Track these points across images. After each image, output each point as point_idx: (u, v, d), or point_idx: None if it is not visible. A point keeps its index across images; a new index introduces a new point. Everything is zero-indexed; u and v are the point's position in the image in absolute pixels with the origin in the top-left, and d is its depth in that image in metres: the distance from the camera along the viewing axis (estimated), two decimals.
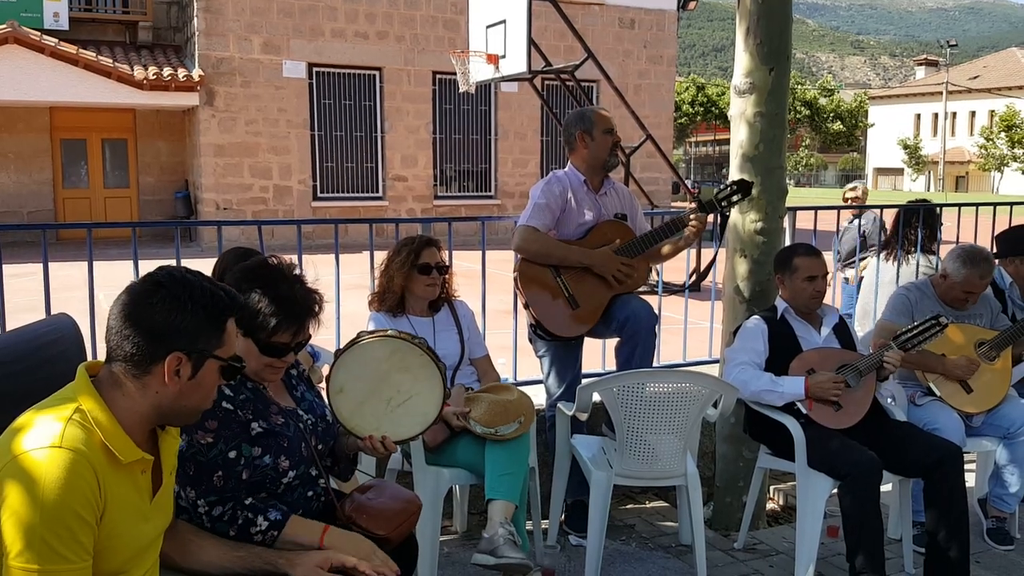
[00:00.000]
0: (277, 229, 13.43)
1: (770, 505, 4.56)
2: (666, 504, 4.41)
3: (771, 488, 4.60)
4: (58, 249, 14.60)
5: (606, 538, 3.89)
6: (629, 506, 4.40)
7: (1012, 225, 4.87)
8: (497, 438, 3.20)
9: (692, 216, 3.81)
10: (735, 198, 3.82)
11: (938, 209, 5.40)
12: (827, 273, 3.70)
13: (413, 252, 3.52)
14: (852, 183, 7.53)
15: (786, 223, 4.69)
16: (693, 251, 4.87)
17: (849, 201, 7.17)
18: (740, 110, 4.01)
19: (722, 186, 3.86)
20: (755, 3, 3.91)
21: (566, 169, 4.02)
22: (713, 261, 4.57)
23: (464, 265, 4.47)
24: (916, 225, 5.20)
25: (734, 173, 4.06)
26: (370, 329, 2.46)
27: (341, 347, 2.37)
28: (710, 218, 3.89)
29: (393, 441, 2.36)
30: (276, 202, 17.42)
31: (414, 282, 3.54)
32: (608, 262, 3.83)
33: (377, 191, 18.43)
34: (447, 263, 3.68)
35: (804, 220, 5.34)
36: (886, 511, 4.07)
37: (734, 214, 4.10)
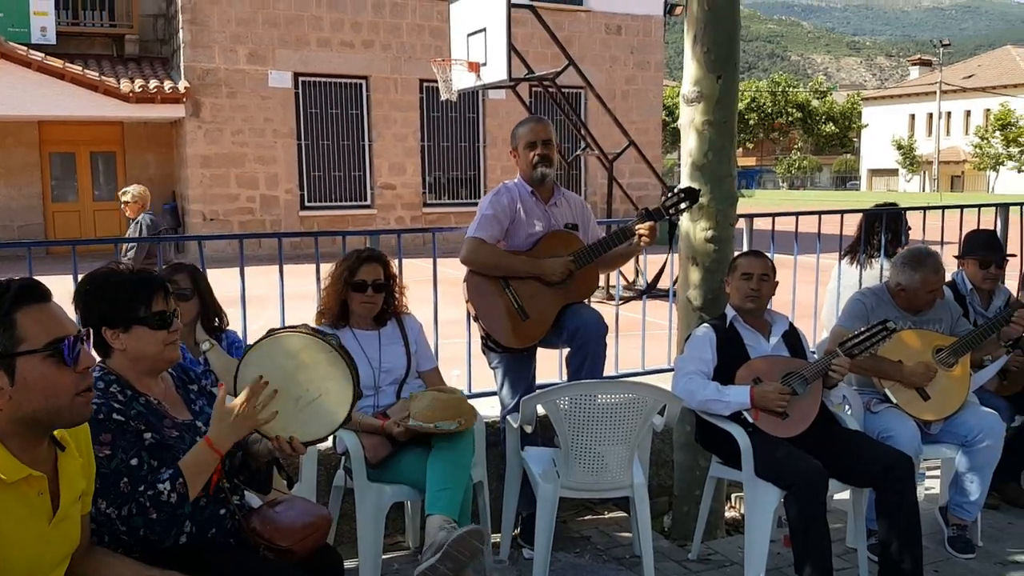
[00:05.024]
0: (263, 240, 13.43)
1: (731, 513, 4.54)
2: (624, 515, 4.38)
3: (732, 496, 4.58)
4: (48, 263, 14.68)
5: (560, 551, 3.88)
6: (587, 517, 4.38)
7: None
8: (437, 432, 3.18)
9: (640, 225, 3.80)
10: (682, 205, 3.82)
11: (904, 213, 5.38)
12: (766, 274, 3.70)
13: (347, 269, 3.50)
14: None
15: (744, 228, 4.70)
16: (652, 258, 4.85)
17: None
18: (689, 119, 4.00)
19: (670, 194, 3.86)
20: (702, 11, 3.90)
21: (515, 180, 4.01)
22: (662, 269, 4.57)
23: (450, 272, 4.41)
24: (879, 230, 5.17)
25: (684, 181, 4.06)
26: (292, 324, 2.43)
27: (250, 343, 2.34)
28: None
29: (302, 442, 2.34)
30: (263, 212, 17.39)
31: (350, 299, 3.52)
32: (556, 267, 3.82)
33: (365, 199, 18.41)
34: (391, 278, 3.63)
35: (770, 223, 5.33)
36: (843, 520, 4.05)
37: (686, 222, 4.10)
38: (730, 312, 3.75)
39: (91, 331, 2.10)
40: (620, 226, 3.94)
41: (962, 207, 5.80)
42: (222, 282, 4.11)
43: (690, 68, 3.98)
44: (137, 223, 7.65)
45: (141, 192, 7.87)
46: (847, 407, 3.99)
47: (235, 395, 2.44)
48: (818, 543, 3.24)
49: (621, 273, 5.53)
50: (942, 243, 5.24)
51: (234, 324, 3.72)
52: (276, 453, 2.38)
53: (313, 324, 3.58)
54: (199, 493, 2.20)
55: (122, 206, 7.93)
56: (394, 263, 3.77)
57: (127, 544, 2.17)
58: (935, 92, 57.66)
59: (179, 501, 2.13)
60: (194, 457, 2.19)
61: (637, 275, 10.23)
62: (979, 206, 5.89)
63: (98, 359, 2.30)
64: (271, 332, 2.40)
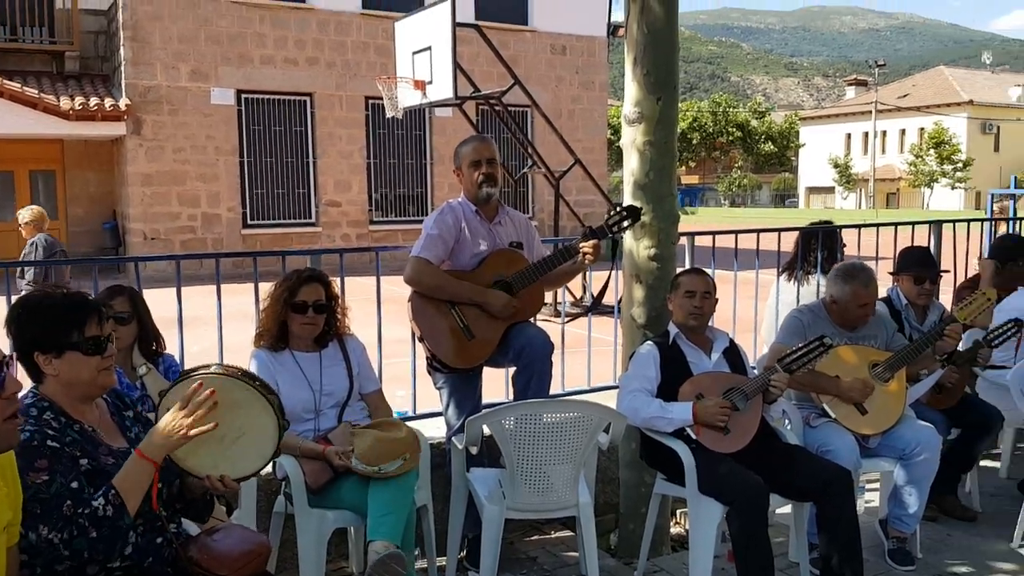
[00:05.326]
0: (205, 260, 13.21)
1: (676, 529, 4.56)
2: (571, 533, 4.37)
3: (678, 512, 4.60)
4: None
5: (506, 572, 3.86)
6: (534, 537, 4.36)
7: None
8: (380, 476, 3.14)
9: (583, 243, 3.82)
10: (624, 223, 3.84)
11: (839, 230, 5.50)
12: (708, 292, 3.75)
13: (288, 290, 3.44)
14: None
15: (686, 245, 4.74)
16: (598, 275, 4.89)
17: None
18: (631, 139, 4.05)
19: (612, 213, 3.88)
20: (642, 33, 3.95)
21: (460, 199, 4.00)
22: (605, 286, 4.60)
23: (396, 290, 4.36)
24: (815, 247, 5.28)
25: (627, 200, 4.09)
26: (204, 364, 2.39)
27: (164, 389, 2.30)
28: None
29: (233, 479, 2.30)
30: (205, 230, 17.14)
31: (290, 320, 3.47)
32: (500, 304, 3.79)
33: (310, 217, 18.26)
34: (333, 299, 3.58)
35: (711, 240, 5.39)
36: (785, 534, 4.10)
37: (629, 241, 4.13)
38: (673, 329, 3.79)
39: (15, 356, 2.04)
40: (564, 244, 3.96)
41: (896, 224, 5.95)
42: (162, 303, 4.04)
43: (631, 89, 4.03)
44: (33, 243, 7.63)
45: (37, 213, 7.97)
46: (787, 422, 4.04)
47: None
48: (760, 558, 3.28)
49: (568, 290, 5.55)
50: (877, 259, 5.35)
51: (171, 347, 3.65)
52: (212, 490, 2.34)
53: (252, 346, 3.54)
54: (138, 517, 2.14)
55: (20, 227, 7.99)
56: (337, 283, 3.73)
57: (62, 574, 2.11)
58: (871, 111, 59.20)
59: (116, 514, 2.08)
60: (126, 472, 2.15)
61: (584, 291, 10.30)
62: (913, 223, 6.04)
63: (31, 385, 2.24)
64: (184, 375, 2.35)
